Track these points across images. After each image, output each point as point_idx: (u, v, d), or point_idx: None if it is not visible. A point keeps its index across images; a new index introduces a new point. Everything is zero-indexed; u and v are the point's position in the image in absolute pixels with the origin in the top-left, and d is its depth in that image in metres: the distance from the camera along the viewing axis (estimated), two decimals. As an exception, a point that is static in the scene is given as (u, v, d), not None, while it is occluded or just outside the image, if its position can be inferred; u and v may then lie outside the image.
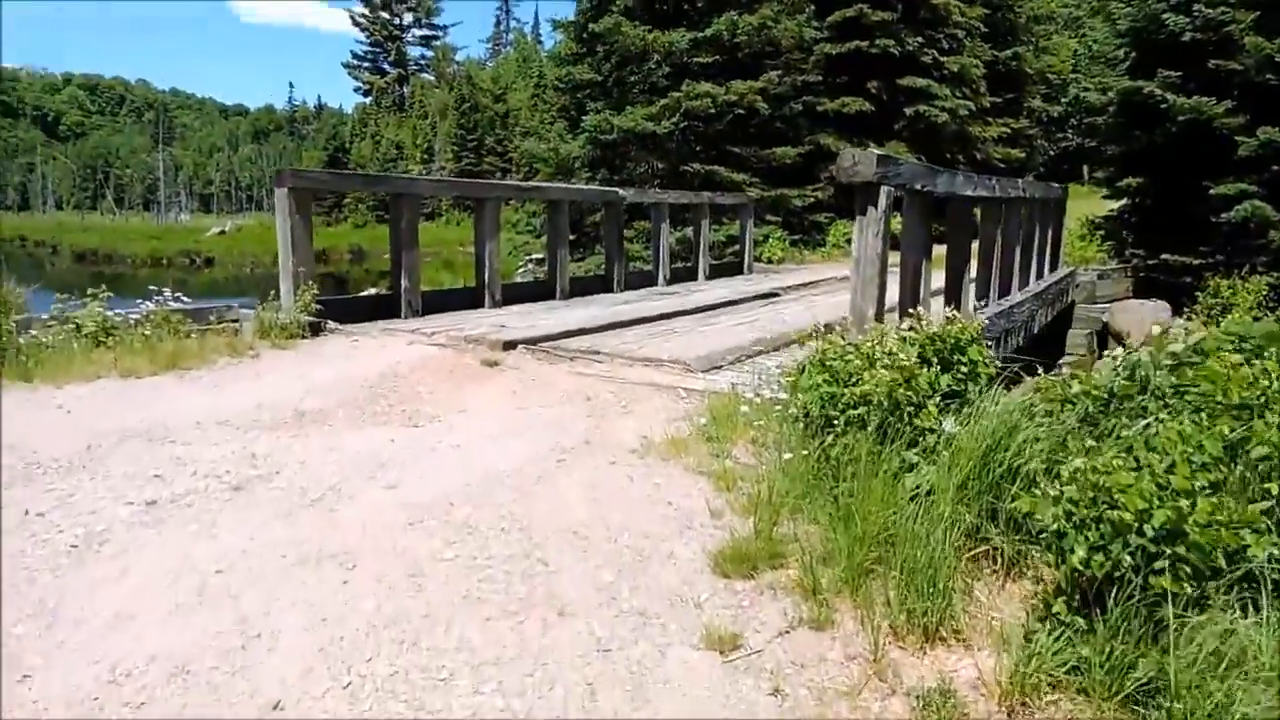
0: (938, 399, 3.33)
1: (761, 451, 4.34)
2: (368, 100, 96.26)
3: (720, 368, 6.41)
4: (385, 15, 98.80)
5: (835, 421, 3.54)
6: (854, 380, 3.55)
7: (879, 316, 5.38)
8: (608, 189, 12.49)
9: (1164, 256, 14.61)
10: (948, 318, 4.04)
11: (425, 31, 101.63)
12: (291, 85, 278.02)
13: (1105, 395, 3.06)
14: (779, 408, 4.27)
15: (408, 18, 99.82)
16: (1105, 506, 2.42)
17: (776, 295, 11.68)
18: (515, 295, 10.64)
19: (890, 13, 21.45)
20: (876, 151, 5.22)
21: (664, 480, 4.03)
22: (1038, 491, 2.71)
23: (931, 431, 3.21)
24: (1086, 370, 4.84)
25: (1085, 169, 31.94)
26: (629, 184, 19.05)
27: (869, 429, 3.34)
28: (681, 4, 18.66)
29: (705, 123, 18.14)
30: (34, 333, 6.54)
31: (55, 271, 41.80)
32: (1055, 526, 2.50)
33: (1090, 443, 2.58)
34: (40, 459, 3.96)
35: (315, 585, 2.89)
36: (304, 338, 7.21)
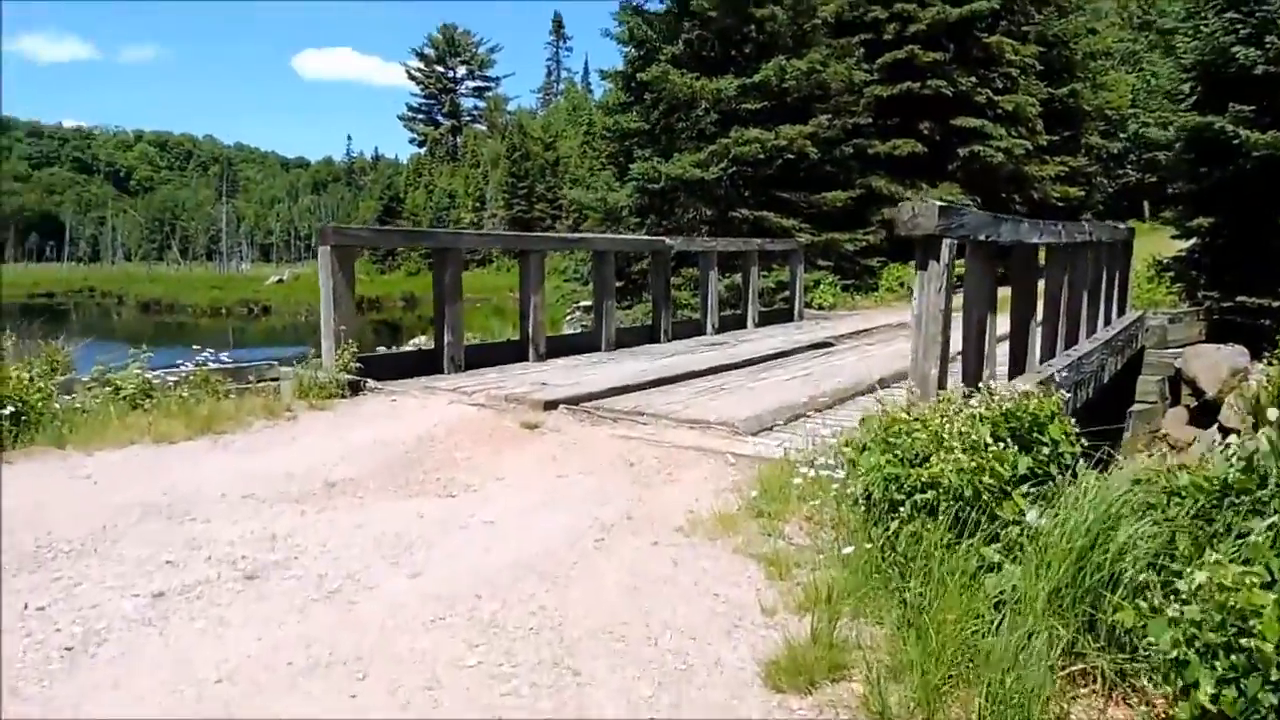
0: (1021, 487, 2.95)
1: (818, 531, 3.97)
2: (422, 151, 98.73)
3: (771, 429, 6.06)
4: (439, 69, 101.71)
5: (900, 506, 3.18)
6: (920, 460, 3.19)
7: (942, 378, 5.00)
8: (655, 239, 12.30)
9: (1240, 298, 13.84)
10: (1024, 392, 3.65)
11: (478, 83, 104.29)
12: (350, 138, 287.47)
13: (1218, 489, 2.66)
14: (836, 485, 3.90)
15: (461, 70, 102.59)
16: (1236, 632, 2.03)
17: (830, 345, 11.29)
18: (560, 348, 10.44)
19: (942, 53, 21.15)
20: (938, 202, 4.89)
21: (711, 565, 3.69)
22: (1144, 604, 2.32)
23: (1015, 523, 2.83)
24: (1159, 416, 4.41)
25: (1146, 205, 30.99)
26: (677, 231, 18.90)
27: (939, 517, 2.97)
28: (729, 51, 18.62)
29: (754, 168, 17.95)
30: (74, 396, 6.50)
31: (120, 322, 43.12)
32: (1174, 653, 2.11)
33: (1213, 556, 2.18)
34: (54, 539, 3.78)
35: (321, 697, 2.61)
36: (343, 397, 7.06)
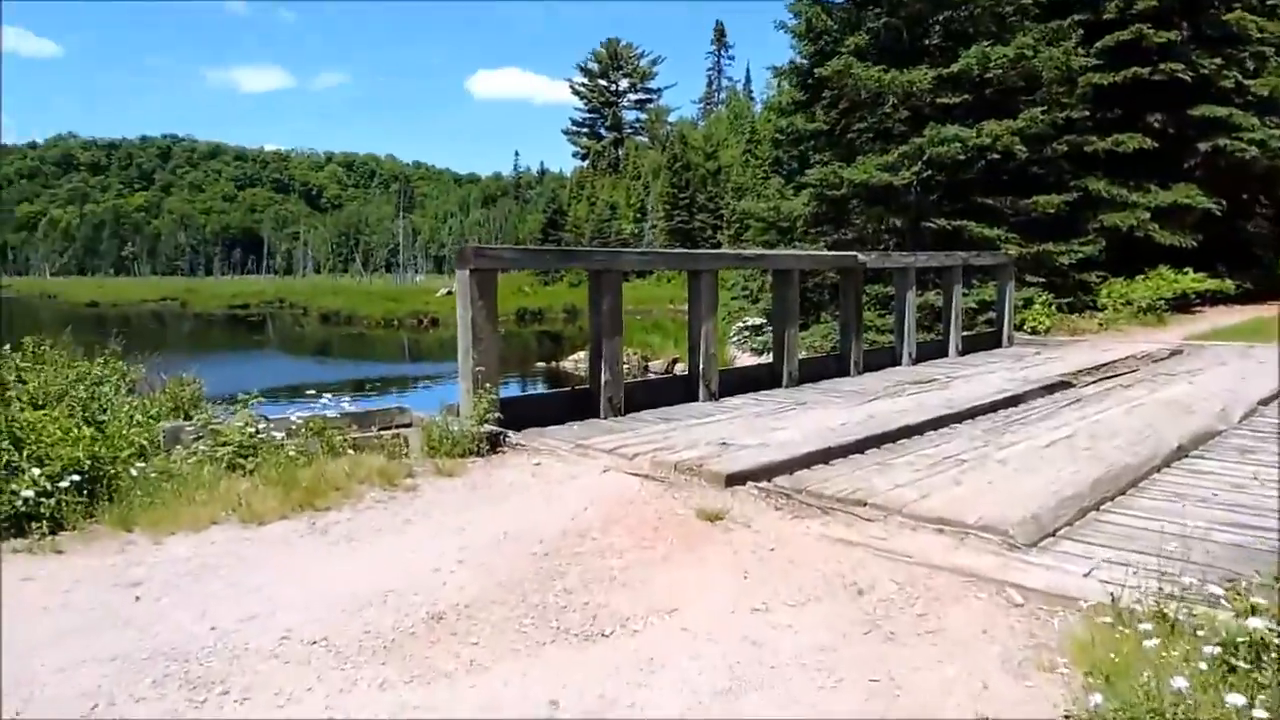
0: None
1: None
2: (584, 164, 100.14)
3: (1056, 534, 4.22)
4: (602, 82, 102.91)
5: None
6: None
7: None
8: (844, 254, 10.52)
9: None
10: None
11: (640, 96, 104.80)
12: (517, 154, 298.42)
13: None
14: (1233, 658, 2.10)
15: (623, 83, 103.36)
16: None
17: (1069, 385, 9.09)
18: (734, 383, 8.88)
19: (1175, 32, 18.05)
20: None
21: None
22: None
23: None
24: None
25: None
26: (857, 244, 16.94)
27: None
28: (920, 39, 16.49)
29: (951, 171, 15.72)
30: (180, 447, 5.55)
31: (303, 333, 45.23)
32: None
33: None
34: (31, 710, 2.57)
35: None
36: (479, 455, 5.78)
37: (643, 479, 5.14)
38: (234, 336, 43.10)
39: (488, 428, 5.96)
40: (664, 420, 7.25)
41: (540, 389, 23.83)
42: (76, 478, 4.43)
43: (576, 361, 26.78)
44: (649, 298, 45.88)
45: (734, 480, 5.06)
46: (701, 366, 8.38)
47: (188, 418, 7.12)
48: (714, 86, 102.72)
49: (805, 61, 16.78)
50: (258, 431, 5.43)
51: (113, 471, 4.65)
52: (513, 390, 22.06)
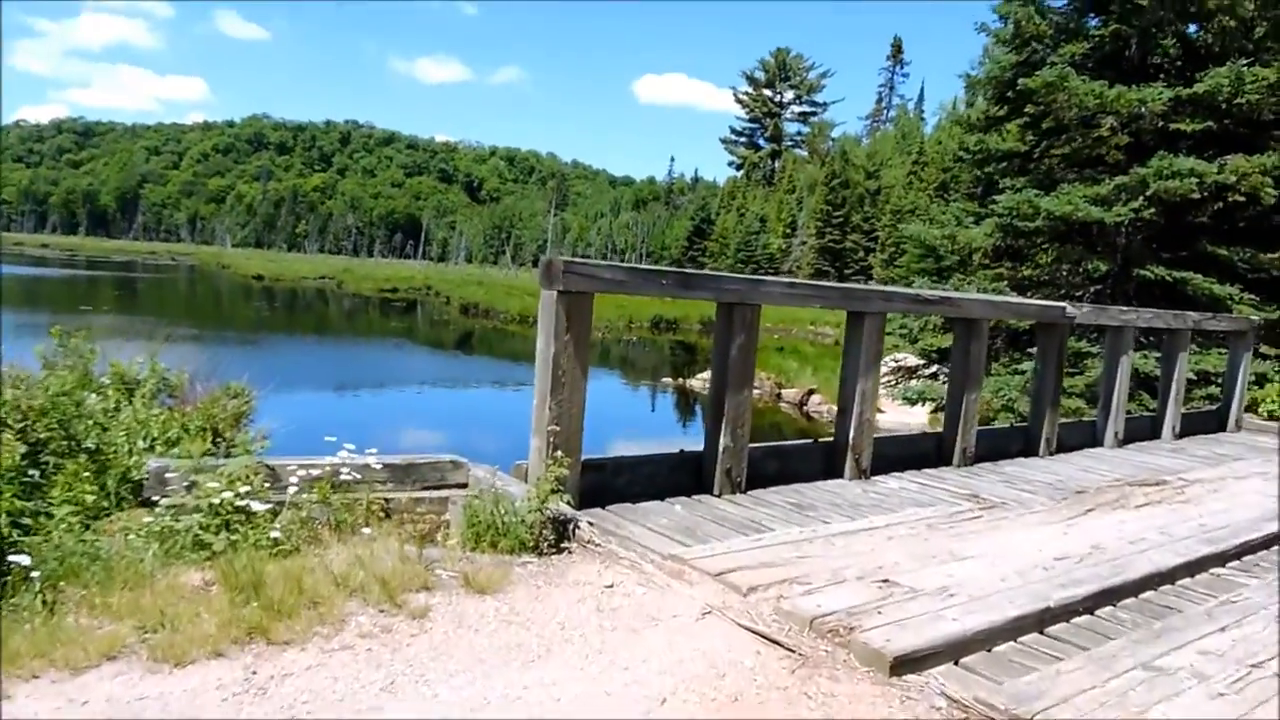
0: None
1: None
2: (738, 174, 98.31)
3: None
4: (767, 92, 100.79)
5: None
6: None
7: None
8: (1048, 304, 8.34)
9: None
10: None
11: (804, 108, 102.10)
12: (673, 159, 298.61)
13: None
14: None
15: (788, 94, 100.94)
16: None
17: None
18: (889, 456, 6.95)
19: None
20: None
21: None
22: None
23: None
24: None
25: None
26: (1047, 286, 14.43)
27: None
28: (1152, 54, 13.80)
29: (1175, 213, 12.99)
30: (158, 495, 4.22)
31: (440, 323, 45.59)
32: None
33: None
34: None
35: None
36: (537, 553, 4.16)
37: (760, 642, 3.36)
38: (373, 322, 43.86)
39: (554, 509, 4.33)
40: (797, 510, 5.43)
41: (658, 399, 22.29)
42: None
43: (705, 381, 25.04)
44: (788, 317, 43.46)
45: (904, 666, 3.20)
46: (852, 435, 6.49)
47: (217, 441, 5.88)
48: (884, 104, 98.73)
49: (1007, 72, 14.39)
50: (247, 492, 4.00)
51: (67, 552, 3.30)
52: (626, 413, 20.59)
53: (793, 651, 3.28)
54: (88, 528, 4.10)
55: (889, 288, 7.61)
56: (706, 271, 6.45)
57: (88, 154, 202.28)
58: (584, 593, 3.77)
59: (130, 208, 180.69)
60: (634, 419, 20.36)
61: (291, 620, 3.25)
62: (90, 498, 4.31)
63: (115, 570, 3.45)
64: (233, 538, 3.78)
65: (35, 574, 3.20)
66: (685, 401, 23.75)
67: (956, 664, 3.33)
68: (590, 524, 4.40)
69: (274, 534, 3.77)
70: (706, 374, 25.81)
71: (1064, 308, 8.16)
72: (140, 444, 5.16)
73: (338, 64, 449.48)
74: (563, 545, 4.27)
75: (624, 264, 4.65)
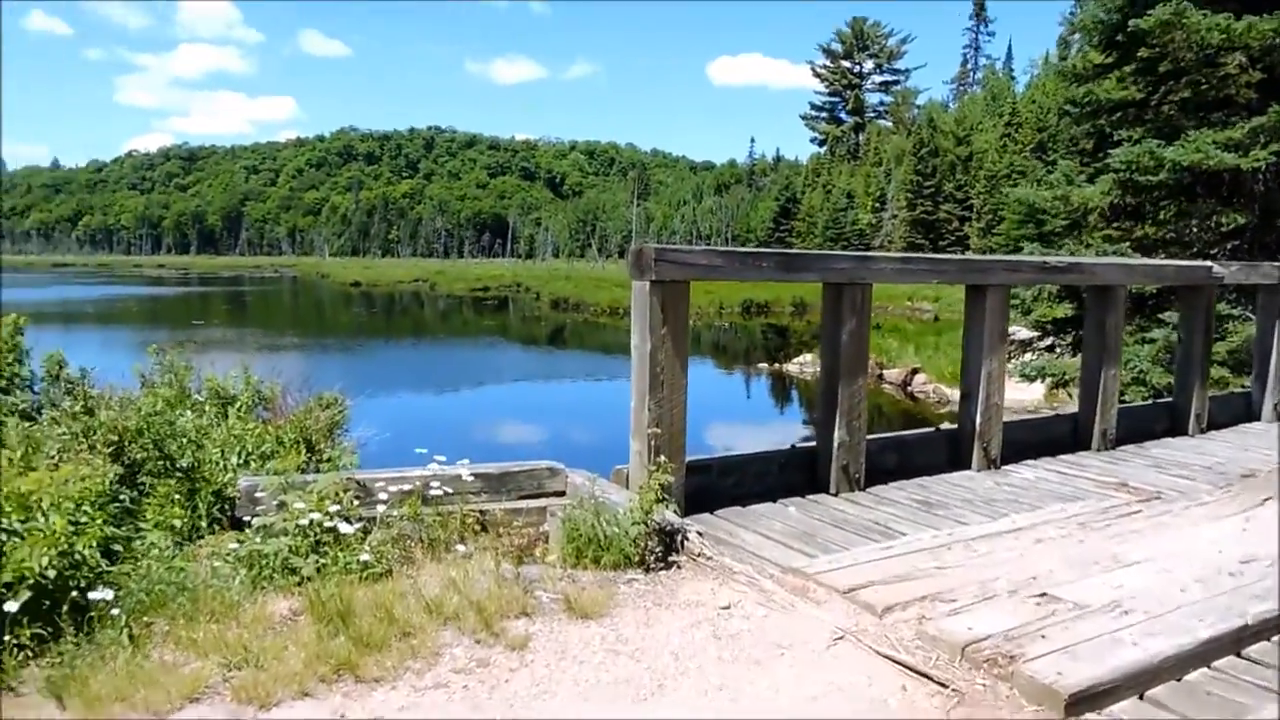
0: None
1: None
2: (822, 150, 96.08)
3: None
4: (846, 64, 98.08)
5: None
6: None
7: None
8: (1192, 264, 7.52)
9: None
10: None
11: (885, 77, 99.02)
12: (753, 140, 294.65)
13: None
14: None
15: (868, 64, 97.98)
16: None
17: None
18: (1019, 441, 6.33)
19: None
20: None
21: None
22: None
23: None
24: None
25: None
26: (1168, 244, 13.28)
27: None
28: (1285, -23, 12.45)
29: (1322, 153, 11.69)
30: (250, 514, 4.06)
31: (532, 319, 45.99)
32: None
33: None
34: None
35: None
36: (644, 568, 3.81)
37: (905, 673, 2.92)
38: (467, 321, 44.54)
39: (659, 518, 3.97)
40: (925, 509, 4.93)
41: (758, 387, 21.72)
42: (30, 595, 2.95)
43: (802, 365, 24.32)
44: (882, 294, 42.01)
45: (1083, 703, 2.71)
46: (979, 421, 5.92)
47: (311, 455, 5.75)
48: (969, 66, 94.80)
49: (1115, 15, 13.24)
50: (336, 511, 3.78)
51: (89, 583, 3.13)
52: (723, 402, 20.11)
53: (945, 686, 2.83)
54: (180, 551, 3.96)
55: (1012, 256, 6.98)
56: (811, 251, 5.92)
57: (193, 177, 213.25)
58: (697, 615, 3.40)
59: (234, 225, 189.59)
60: (732, 407, 19.87)
61: (382, 654, 2.98)
62: (179, 521, 4.18)
63: (201, 600, 3.26)
64: (321, 561, 3.55)
65: (116, 610, 3.02)
66: (782, 386, 23.13)
67: (1142, 698, 2.82)
68: (700, 534, 4.02)
69: (364, 556, 3.52)
70: (802, 358, 25.19)
71: (1210, 267, 7.33)
72: (234, 460, 5.03)
73: (416, 72, 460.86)
74: (670, 559, 3.91)
75: (720, 247, 4.20)
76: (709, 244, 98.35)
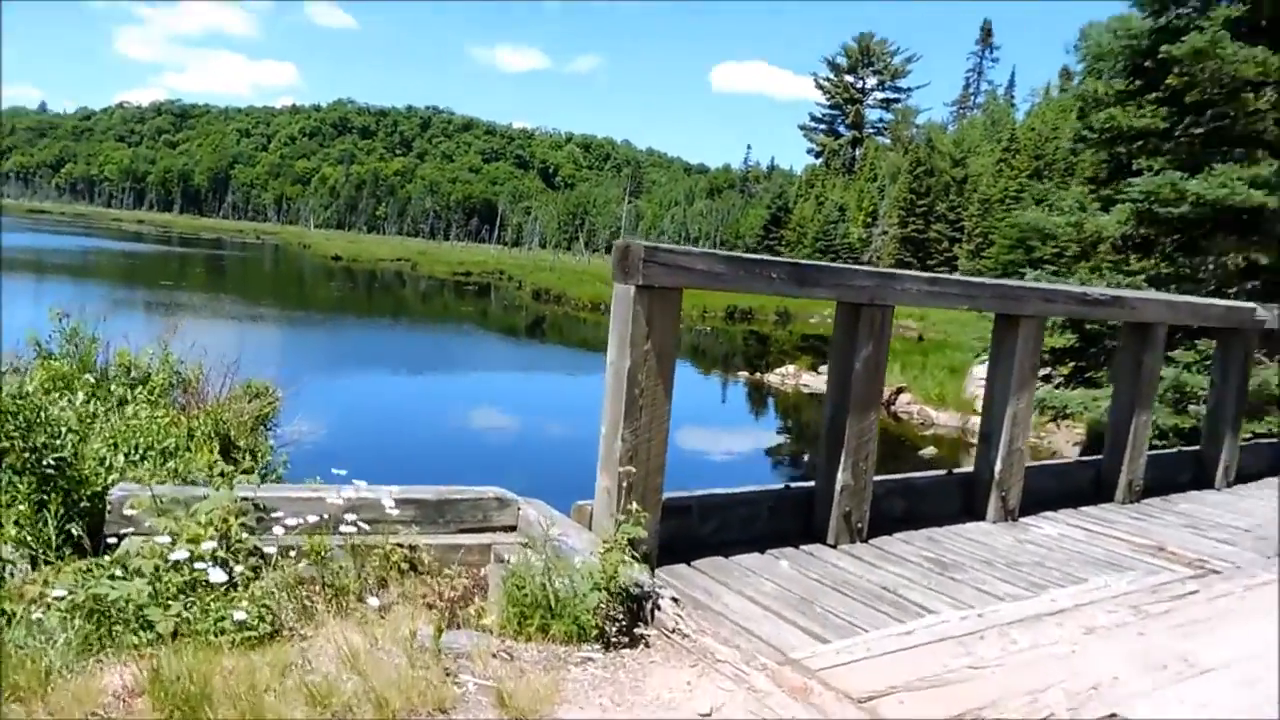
0: None
1: None
2: (818, 162, 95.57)
3: None
4: (849, 78, 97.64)
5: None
6: None
7: None
8: (1236, 305, 6.82)
9: None
10: None
11: (887, 94, 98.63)
12: (749, 147, 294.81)
13: None
14: None
15: (871, 80, 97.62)
16: None
17: None
18: (1038, 489, 5.60)
19: None
20: None
21: None
22: None
23: None
24: None
25: None
26: (1181, 280, 12.65)
27: None
28: (1323, 13, 11.87)
29: (1353, 197, 11.10)
30: (118, 535, 3.25)
31: (511, 307, 45.05)
32: None
33: None
34: None
35: None
36: (604, 643, 3.02)
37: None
38: (446, 305, 43.50)
39: (626, 578, 3.17)
40: (938, 570, 4.17)
41: (739, 395, 20.86)
42: None
43: (783, 376, 23.60)
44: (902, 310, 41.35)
45: None
46: (998, 468, 5.19)
47: (228, 451, 4.91)
48: (971, 90, 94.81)
49: (1141, 42, 12.61)
50: (211, 551, 2.95)
51: None
52: (700, 413, 19.32)
53: None
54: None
55: (1049, 285, 6.24)
56: (828, 264, 5.17)
57: (184, 135, 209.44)
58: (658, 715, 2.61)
59: (221, 187, 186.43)
60: (709, 417, 19.08)
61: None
62: (28, 536, 3.34)
63: (8, 666, 2.44)
64: (186, 615, 2.73)
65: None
66: (762, 400, 22.37)
67: None
68: (675, 601, 3.24)
69: (239, 615, 2.70)
70: (784, 369, 24.45)
71: (1253, 309, 6.65)
72: (121, 459, 4.19)
73: (421, 52, 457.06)
74: (636, 631, 3.12)
75: (722, 252, 3.37)
76: (695, 242, 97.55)
